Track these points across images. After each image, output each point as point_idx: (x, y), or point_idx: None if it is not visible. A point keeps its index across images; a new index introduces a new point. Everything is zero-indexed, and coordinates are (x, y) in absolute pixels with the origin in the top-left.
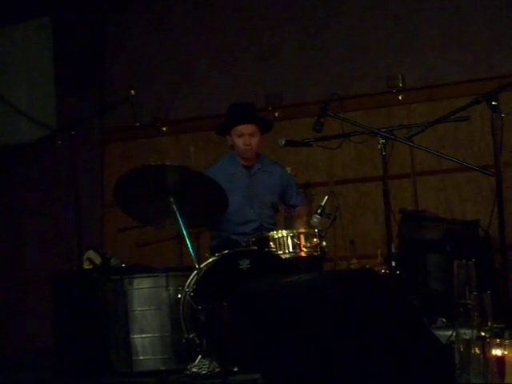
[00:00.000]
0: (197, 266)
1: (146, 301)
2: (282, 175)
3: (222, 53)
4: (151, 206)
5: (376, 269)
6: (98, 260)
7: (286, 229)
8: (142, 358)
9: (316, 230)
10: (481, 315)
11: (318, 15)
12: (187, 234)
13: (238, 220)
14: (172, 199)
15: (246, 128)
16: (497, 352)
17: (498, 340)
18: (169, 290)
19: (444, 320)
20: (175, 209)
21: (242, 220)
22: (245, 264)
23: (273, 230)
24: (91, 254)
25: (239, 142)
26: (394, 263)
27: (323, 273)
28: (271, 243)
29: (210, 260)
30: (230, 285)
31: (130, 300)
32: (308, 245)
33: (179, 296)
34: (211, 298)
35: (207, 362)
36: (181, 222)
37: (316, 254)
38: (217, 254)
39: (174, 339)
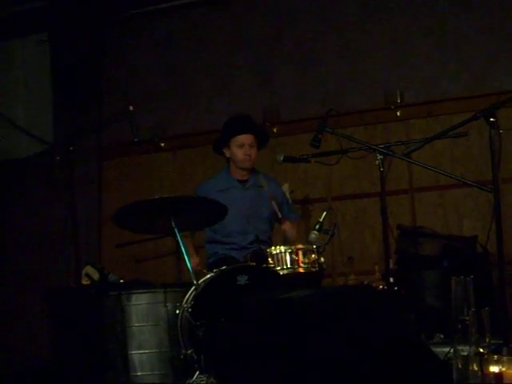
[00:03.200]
0: (195, 282)
1: (144, 317)
2: (276, 190)
3: (219, 68)
4: (151, 223)
5: (374, 285)
6: (95, 276)
7: (283, 245)
8: (139, 373)
9: (314, 246)
10: (479, 331)
11: (316, 31)
12: (186, 249)
13: (234, 234)
14: (171, 218)
15: (246, 138)
16: (495, 368)
17: (495, 356)
18: (167, 306)
19: (442, 336)
20: (174, 225)
21: (238, 234)
22: (243, 280)
23: (268, 244)
24: (89, 269)
25: (239, 153)
26: (391, 279)
27: (321, 289)
28: (269, 259)
29: (208, 276)
30: (228, 301)
31: (128, 316)
32: (306, 261)
33: (177, 312)
34: (209, 314)
35: (205, 378)
36: (180, 240)
37: (314, 269)
38: (215, 270)
39: (171, 355)
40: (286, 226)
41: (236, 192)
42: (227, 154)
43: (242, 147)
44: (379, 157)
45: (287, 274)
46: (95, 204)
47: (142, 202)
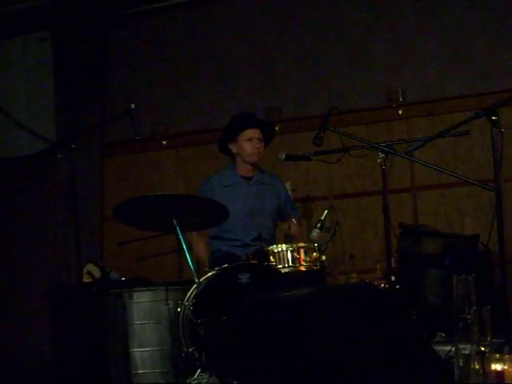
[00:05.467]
0: (196, 280)
1: (146, 314)
2: (280, 188)
3: (221, 66)
4: (153, 220)
5: (375, 283)
6: (97, 273)
7: (285, 243)
8: (141, 371)
9: (316, 244)
10: (480, 330)
11: (318, 29)
12: (187, 248)
13: (237, 230)
14: (173, 216)
15: (255, 132)
16: (496, 367)
17: (497, 355)
18: (168, 304)
19: (443, 335)
20: (175, 223)
21: (241, 230)
22: (244, 278)
23: (271, 241)
24: (91, 267)
25: (248, 146)
26: (393, 277)
27: (322, 287)
28: (271, 257)
29: (210, 274)
30: (230, 299)
31: (130, 314)
32: (308, 259)
33: (179, 310)
34: (211, 312)
35: (206, 376)
36: (181, 238)
37: (315, 268)
38: (216, 268)
39: (173, 353)
40: (294, 230)
41: (240, 188)
42: (234, 150)
43: (250, 141)
44: (381, 155)
45: (289, 272)
46: (97, 202)
47: (144, 198)
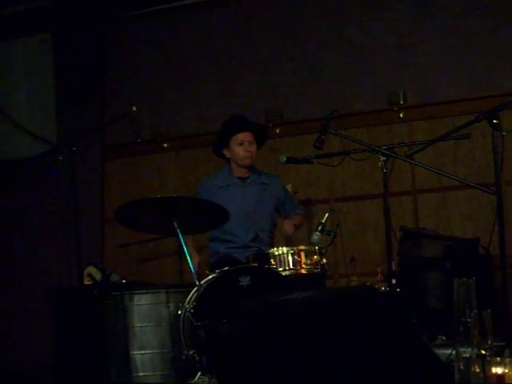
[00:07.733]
0: (197, 283)
1: (146, 317)
2: (278, 187)
3: (222, 69)
4: (154, 222)
5: (376, 286)
6: (98, 276)
7: (285, 246)
8: (141, 374)
9: (316, 248)
10: (481, 333)
11: (319, 31)
12: (188, 250)
13: (235, 231)
14: (173, 219)
15: (245, 135)
16: (497, 370)
17: (498, 358)
18: (169, 307)
19: (444, 338)
20: (176, 226)
21: (238, 231)
22: (245, 281)
23: (269, 242)
24: (91, 269)
25: (239, 150)
26: (394, 281)
27: (323, 290)
28: (271, 260)
29: (210, 277)
30: (230, 302)
31: (130, 316)
32: (308, 262)
33: (179, 312)
34: (211, 315)
35: (207, 379)
36: (182, 240)
37: (316, 271)
38: (217, 271)
39: (173, 355)
40: (287, 227)
41: (236, 189)
42: (228, 155)
43: (241, 145)
44: (382, 158)
45: (289, 275)
46: (98, 204)
47: (145, 200)
